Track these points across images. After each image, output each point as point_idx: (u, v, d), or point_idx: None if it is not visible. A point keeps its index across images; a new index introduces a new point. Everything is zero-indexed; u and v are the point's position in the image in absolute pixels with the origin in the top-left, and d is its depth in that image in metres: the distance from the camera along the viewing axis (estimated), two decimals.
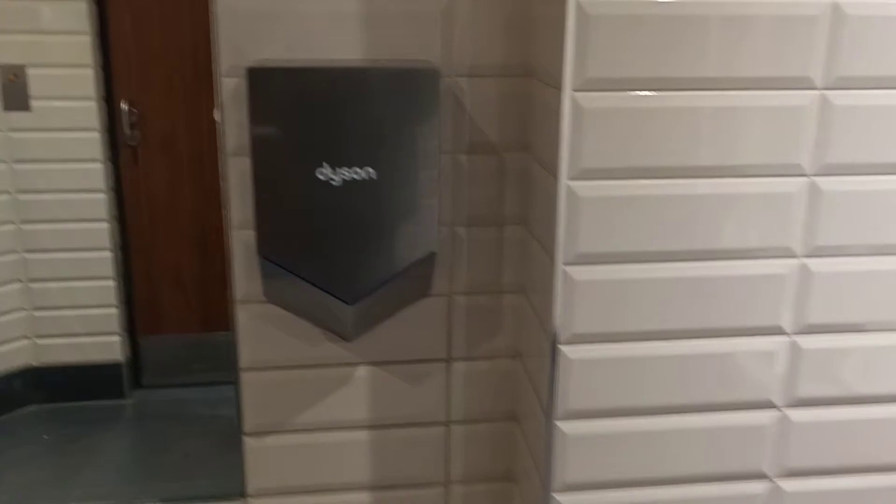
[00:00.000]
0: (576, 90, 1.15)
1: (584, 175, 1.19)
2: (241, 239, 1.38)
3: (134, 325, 3.32)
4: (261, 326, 1.42)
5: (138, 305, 3.32)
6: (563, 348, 1.24)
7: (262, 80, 1.23)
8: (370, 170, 1.27)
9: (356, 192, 1.28)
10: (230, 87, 1.32)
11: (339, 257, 1.30)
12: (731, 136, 1.19)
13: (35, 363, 3.16)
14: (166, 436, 3.03)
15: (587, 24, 1.13)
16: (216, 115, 3.22)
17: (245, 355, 1.43)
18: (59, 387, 3.20)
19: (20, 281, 3.08)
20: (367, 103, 1.25)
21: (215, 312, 3.37)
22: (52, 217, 3.05)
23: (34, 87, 2.94)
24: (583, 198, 1.19)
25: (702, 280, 1.23)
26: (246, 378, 1.44)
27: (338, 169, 1.26)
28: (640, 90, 1.16)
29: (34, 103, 2.95)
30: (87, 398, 3.22)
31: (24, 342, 3.13)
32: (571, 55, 1.14)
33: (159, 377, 3.37)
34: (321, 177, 1.26)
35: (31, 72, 2.93)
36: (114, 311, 3.18)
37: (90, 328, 3.18)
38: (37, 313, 3.13)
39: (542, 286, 1.31)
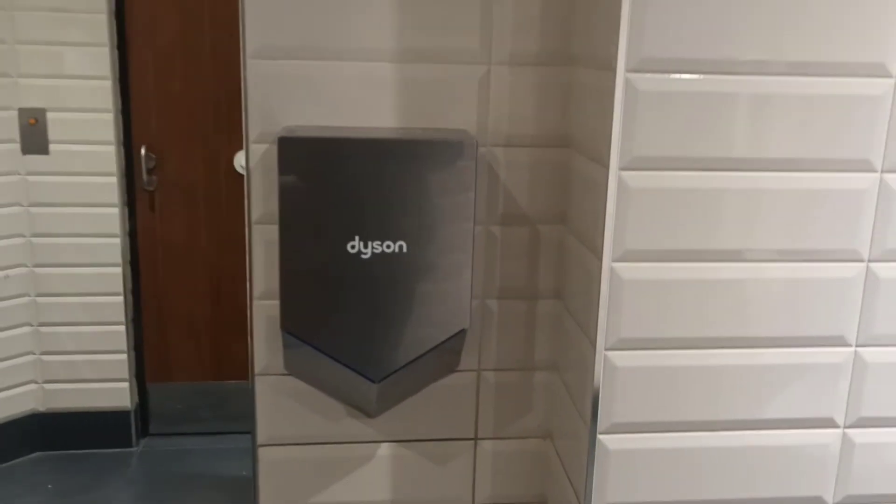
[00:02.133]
0: (623, 169, 1.10)
1: (629, 256, 1.13)
2: (263, 310, 1.32)
3: (143, 371, 3.25)
4: (281, 400, 1.36)
5: (148, 352, 3.26)
6: (603, 437, 1.17)
7: (294, 150, 1.18)
8: (402, 243, 1.22)
9: (386, 265, 1.22)
10: (258, 153, 1.27)
11: (366, 333, 1.24)
12: (786, 219, 1.13)
13: (42, 409, 3.10)
14: (174, 487, 2.95)
15: (636, 100, 1.08)
16: (236, 165, 3.18)
17: (263, 430, 1.36)
18: (65, 433, 3.13)
19: (30, 325, 3.03)
20: (401, 174, 1.20)
21: (226, 361, 3.30)
22: (65, 261, 3.01)
23: (54, 131, 2.92)
24: (627, 280, 1.13)
25: (751, 368, 1.16)
26: (263, 454, 1.37)
27: (369, 242, 1.21)
28: (691, 170, 1.10)
29: (53, 147, 2.93)
30: (93, 446, 3.14)
31: (32, 387, 3.07)
32: (619, 132, 1.09)
33: (167, 425, 3.29)
34: (351, 249, 1.21)
35: (51, 116, 2.91)
36: (124, 356, 3.12)
37: (99, 374, 3.11)
38: (46, 357, 3.07)
39: (579, 369, 1.24)
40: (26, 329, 3.02)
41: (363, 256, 1.21)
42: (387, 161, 1.19)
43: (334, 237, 1.20)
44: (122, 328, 3.09)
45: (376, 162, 1.19)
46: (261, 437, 1.36)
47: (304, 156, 1.18)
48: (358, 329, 1.23)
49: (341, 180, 1.19)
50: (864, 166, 1.12)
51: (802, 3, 1.06)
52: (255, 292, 1.32)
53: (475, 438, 1.41)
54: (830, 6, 1.07)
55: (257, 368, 1.34)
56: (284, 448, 1.37)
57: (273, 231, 1.28)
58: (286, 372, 1.35)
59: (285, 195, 1.19)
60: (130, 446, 3.19)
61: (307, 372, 1.34)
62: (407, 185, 1.21)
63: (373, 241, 1.21)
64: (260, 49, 1.24)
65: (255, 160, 1.28)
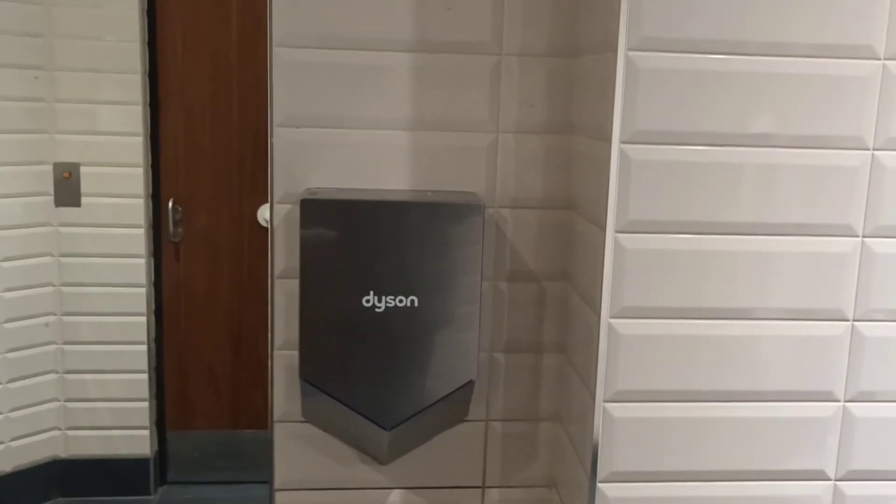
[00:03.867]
0: (619, 231, 1.18)
1: (626, 313, 1.20)
2: (283, 359, 1.41)
3: (164, 419, 3.32)
4: (298, 446, 1.43)
5: (168, 400, 3.33)
6: (602, 486, 1.23)
7: (315, 210, 1.28)
8: (414, 298, 1.30)
9: (399, 318, 1.30)
10: (282, 213, 1.37)
11: (379, 382, 1.31)
12: (775, 279, 1.20)
13: (63, 455, 3.17)
14: None
15: (630, 169, 1.17)
16: (260, 219, 3.29)
17: (280, 474, 1.43)
18: (84, 480, 3.19)
19: (56, 372, 3.12)
20: (414, 234, 1.29)
21: (244, 410, 3.37)
22: (92, 310, 3.11)
23: (86, 185, 3.05)
24: (624, 335, 1.20)
25: (743, 421, 1.22)
26: (280, 498, 1.44)
27: (383, 297, 1.29)
28: (681, 233, 1.18)
29: (85, 200, 3.06)
30: (112, 493, 3.20)
31: (56, 433, 3.15)
32: (615, 197, 1.17)
33: (185, 473, 3.35)
34: (366, 303, 1.29)
35: (84, 170, 3.05)
36: (145, 404, 3.20)
37: (120, 421, 3.19)
38: (70, 405, 3.15)
39: (580, 419, 1.30)
40: (52, 376, 3.12)
41: (377, 310, 1.30)
42: (401, 221, 1.29)
43: (351, 291, 1.29)
44: (145, 376, 3.18)
45: (391, 222, 1.28)
46: (278, 481, 1.43)
47: (324, 216, 1.28)
48: (372, 379, 1.31)
49: (358, 239, 1.28)
50: (846, 231, 1.20)
51: (783, 97, 1.16)
52: (276, 342, 1.40)
53: (483, 486, 1.47)
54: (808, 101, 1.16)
55: (276, 415, 1.42)
56: (300, 493, 1.44)
57: (293, 285, 1.37)
58: (303, 419, 1.42)
59: (306, 252, 1.29)
60: (148, 494, 3.24)
61: (323, 419, 1.41)
62: (419, 243, 1.29)
63: (387, 295, 1.30)
64: (286, 118, 1.35)
65: (278, 219, 1.37)
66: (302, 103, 1.35)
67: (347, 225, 1.28)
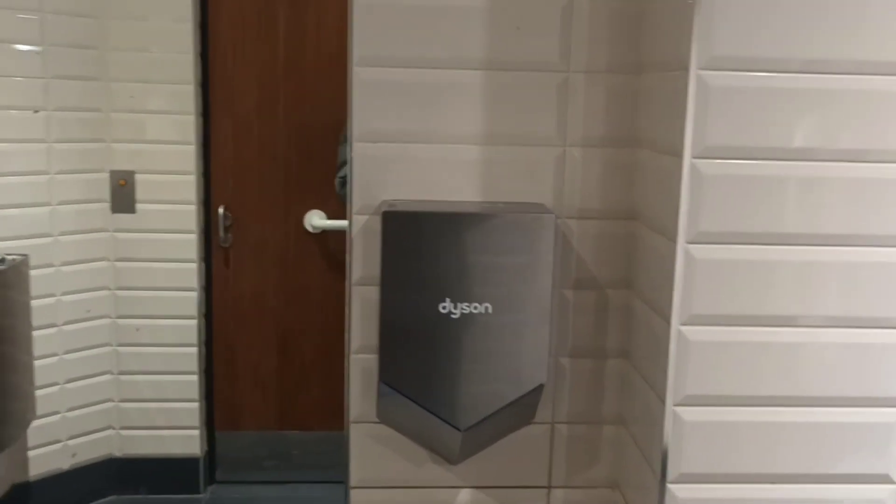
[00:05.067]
0: (689, 242, 1.23)
1: (695, 321, 1.25)
2: (359, 363, 1.47)
3: (213, 419, 3.41)
4: (372, 446, 1.49)
5: (217, 401, 3.42)
6: (672, 487, 1.28)
7: (395, 222, 1.34)
8: (487, 304, 1.36)
9: (473, 324, 1.37)
10: (360, 223, 1.44)
11: (454, 385, 1.38)
12: (835, 289, 1.25)
13: (118, 454, 3.27)
14: None
15: (701, 182, 1.22)
16: (306, 225, 3.37)
17: (355, 473, 1.50)
18: (137, 478, 3.28)
19: (111, 373, 3.22)
20: (488, 244, 1.36)
21: (291, 411, 3.45)
22: (145, 313, 3.21)
23: (140, 192, 3.15)
24: (693, 342, 1.25)
25: (808, 425, 1.27)
26: (355, 495, 1.50)
27: (459, 304, 1.35)
28: (749, 244, 1.23)
29: (139, 206, 3.16)
30: (163, 491, 3.29)
31: (110, 432, 3.25)
32: (686, 210, 1.23)
33: (234, 473, 3.43)
34: (442, 310, 1.36)
35: (139, 177, 3.15)
36: (195, 405, 3.29)
37: (172, 422, 3.28)
38: (123, 405, 3.25)
39: (647, 422, 1.36)
40: (107, 377, 3.22)
41: (453, 316, 1.36)
42: (476, 232, 1.35)
43: (428, 299, 1.35)
44: (195, 378, 3.27)
45: (467, 233, 1.35)
46: (353, 479, 1.50)
47: (404, 227, 1.34)
48: (447, 382, 1.37)
49: (436, 248, 1.35)
50: None
51: (848, 113, 1.20)
52: (353, 347, 1.47)
53: (549, 487, 1.53)
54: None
55: (352, 416, 1.49)
56: (374, 491, 1.50)
57: (370, 292, 1.44)
58: (378, 420, 1.49)
59: (387, 261, 1.35)
60: (198, 492, 3.33)
61: (397, 420, 1.48)
62: (493, 252, 1.36)
63: (461, 302, 1.36)
64: (364, 133, 1.41)
65: (356, 229, 1.44)
66: (378, 119, 1.41)
67: (425, 235, 1.34)
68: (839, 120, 1.21)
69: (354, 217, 1.44)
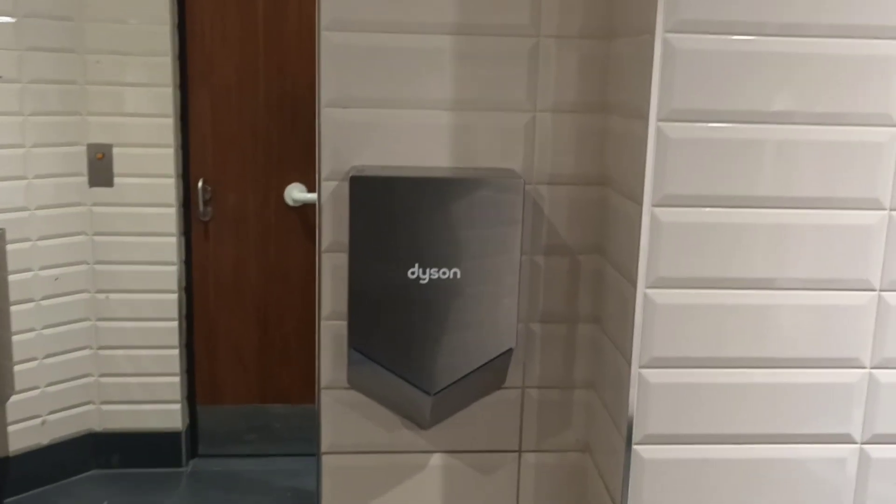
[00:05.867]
0: (655, 205, 1.24)
1: (660, 283, 1.26)
2: (330, 329, 1.47)
3: (194, 394, 3.42)
4: (343, 411, 1.50)
5: (198, 375, 3.42)
6: (638, 448, 1.29)
7: (363, 187, 1.34)
8: (456, 270, 1.36)
9: (442, 290, 1.37)
10: (329, 190, 1.43)
11: (423, 350, 1.38)
12: (802, 252, 1.26)
13: (98, 429, 3.27)
14: None
15: (667, 146, 1.22)
16: (287, 198, 3.35)
17: (327, 439, 1.51)
18: (119, 452, 3.29)
19: (91, 348, 3.22)
20: (457, 209, 1.35)
21: (271, 385, 3.46)
22: (124, 287, 3.20)
23: (118, 165, 3.13)
24: (659, 305, 1.26)
25: (772, 386, 1.29)
26: (326, 461, 1.51)
27: (427, 269, 1.35)
28: (715, 207, 1.24)
29: (117, 180, 3.14)
30: (145, 465, 3.30)
31: (90, 407, 3.25)
32: (651, 173, 1.23)
33: (215, 447, 3.44)
34: (411, 275, 1.36)
35: (116, 151, 3.12)
36: (176, 379, 3.29)
37: (152, 396, 3.28)
38: (103, 379, 3.25)
39: (615, 386, 1.37)
40: (87, 352, 3.21)
41: (422, 282, 1.36)
42: (445, 197, 1.35)
43: (397, 264, 1.35)
44: (176, 352, 3.27)
45: (435, 198, 1.35)
46: (325, 445, 1.51)
47: (372, 193, 1.34)
48: (416, 347, 1.37)
49: (404, 214, 1.35)
50: (874, 204, 1.25)
51: (814, 76, 1.21)
52: (323, 313, 1.47)
53: (519, 451, 1.54)
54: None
55: (323, 382, 1.49)
56: (345, 456, 1.51)
57: (339, 258, 1.44)
58: (349, 386, 1.49)
59: (355, 227, 1.35)
60: (180, 466, 3.34)
61: (368, 386, 1.48)
62: (462, 218, 1.36)
63: (430, 268, 1.36)
64: (333, 99, 1.41)
65: (325, 195, 1.44)
66: (348, 84, 1.40)
67: (394, 201, 1.34)
68: (809, 84, 1.21)
69: (324, 183, 1.43)
